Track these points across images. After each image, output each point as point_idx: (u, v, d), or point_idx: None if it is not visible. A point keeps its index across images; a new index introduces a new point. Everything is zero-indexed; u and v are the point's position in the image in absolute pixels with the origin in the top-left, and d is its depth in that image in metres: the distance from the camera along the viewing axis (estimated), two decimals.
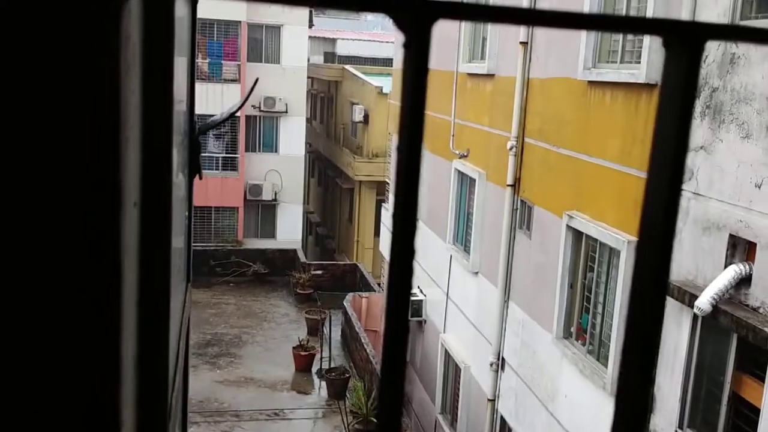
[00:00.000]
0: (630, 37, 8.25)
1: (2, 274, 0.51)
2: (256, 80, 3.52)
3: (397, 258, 0.53)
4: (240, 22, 25.62)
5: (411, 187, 0.50)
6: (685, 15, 6.92)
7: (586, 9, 8.73)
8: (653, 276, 0.55)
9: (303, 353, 17.70)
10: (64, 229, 0.52)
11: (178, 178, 1.45)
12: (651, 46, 7.47)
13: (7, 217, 0.50)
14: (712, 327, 6.54)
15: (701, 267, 6.68)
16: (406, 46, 0.50)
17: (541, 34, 10.17)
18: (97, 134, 0.49)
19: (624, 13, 8.26)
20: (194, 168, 1.64)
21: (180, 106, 1.48)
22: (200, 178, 1.70)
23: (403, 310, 0.53)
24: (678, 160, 0.51)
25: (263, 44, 26.61)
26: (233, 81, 25.65)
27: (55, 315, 0.55)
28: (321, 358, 17.67)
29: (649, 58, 7.49)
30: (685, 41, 0.51)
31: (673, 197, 0.50)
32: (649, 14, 7.48)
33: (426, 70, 0.52)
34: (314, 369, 17.80)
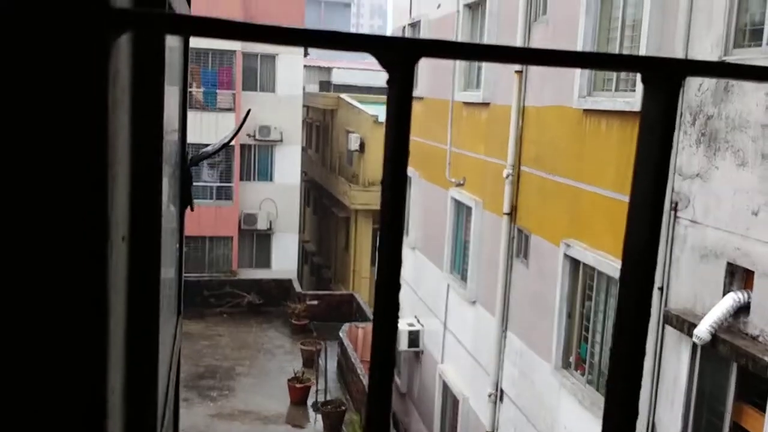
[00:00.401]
0: None
1: None
2: (248, 112, 3.53)
3: (384, 288, 0.52)
4: (235, 51, 25.81)
5: (396, 219, 0.51)
6: (678, 45, 7.00)
7: (580, 40, 8.82)
8: (637, 299, 0.55)
9: (298, 385, 17.51)
10: (49, 263, 0.52)
11: (170, 210, 1.45)
12: None
13: None
14: (712, 356, 6.51)
15: (699, 295, 6.67)
16: (390, 83, 0.51)
17: None
18: (84, 172, 0.49)
19: (618, 43, 8.35)
20: (185, 199, 1.64)
21: (172, 136, 1.48)
22: (191, 209, 1.70)
23: (390, 340, 0.53)
24: (658, 197, 0.51)
25: (258, 73, 26.79)
26: (228, 110, 25.77)
27: (40, 349, 0.54)
28: (317, 390, 17.50)
29: None
30: (663, 78, 0.51)
31: (654, 233, 0.50)
32: (643, 43, 7.56)
33: (409, 106, 0.52)
34: (310, 402, 17.61)
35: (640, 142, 0.54)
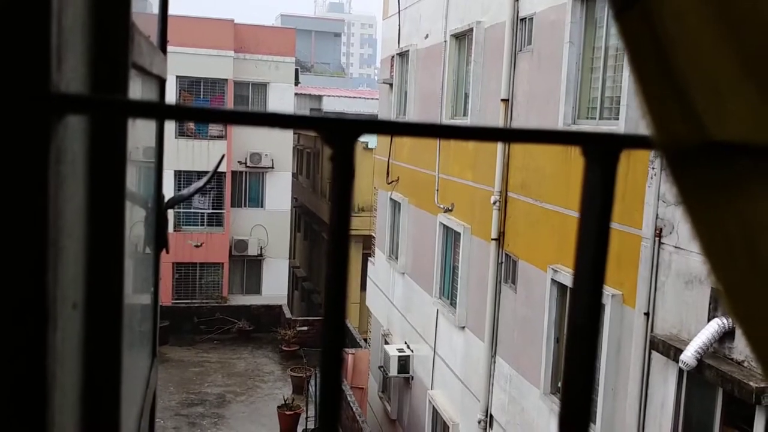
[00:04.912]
0: (609, 93, 8.42)
1: None
2: (222, 156, 3.58)
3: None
4: (227, 80, 25.92)
5: (338, 304, 0.51)
6: None
7: (564, 69, 8.91)
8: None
9: (288, 413, 17.38)
10: None
11: (145, 254, 1.45)
12: (629, 104, 7.62)
13: None
14: (698, 381, 6.51)
15: (685, 321, 6.69)
16: (332, 159, 0.52)
17: (522, 91, 10.35)
18: (20, 246, 0.49)
19: (601, 71, 8.44)
20: (161, 242, 1.64)
21: (146, 180, 1.49)
22: (167, 252, 1.70)
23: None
24: (598, 270, 0.52)
25: (249, 101, 26.88)
26: (219, 137, 25.81)
27: None
28: (306, 417, 17.37)
29: (627, 115, 7.63)
30: (602, 152, 0.53)
31: (594, 306, 0.51)
32: (626, 72, 7.65)
33: (351, 179, 0.54)
34: (300, 429, 17.48)
35: (581, 212, 0.55)
